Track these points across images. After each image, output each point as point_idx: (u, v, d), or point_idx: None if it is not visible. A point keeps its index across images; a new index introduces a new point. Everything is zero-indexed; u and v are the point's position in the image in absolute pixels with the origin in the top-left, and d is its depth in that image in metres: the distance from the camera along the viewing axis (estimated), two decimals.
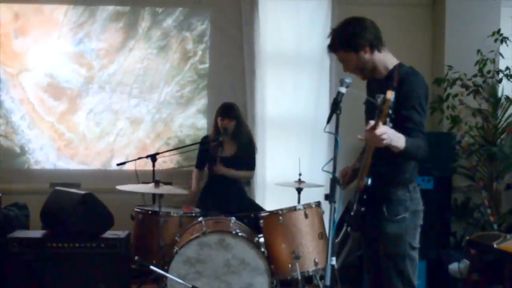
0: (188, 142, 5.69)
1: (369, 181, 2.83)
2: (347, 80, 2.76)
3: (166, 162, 5.36)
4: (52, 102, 5.75)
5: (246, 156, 5.13)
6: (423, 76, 2.97)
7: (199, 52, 5.82)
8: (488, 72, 5.39)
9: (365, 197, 2.88)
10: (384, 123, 2.61)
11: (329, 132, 2.75)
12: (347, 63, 3.03)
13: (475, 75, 5.41)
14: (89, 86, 5.76)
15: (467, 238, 4.68)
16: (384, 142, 2.63)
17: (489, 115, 5.45)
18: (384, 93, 2.58)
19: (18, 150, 5.74)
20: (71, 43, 5.74)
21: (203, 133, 5.71)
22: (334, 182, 2.66)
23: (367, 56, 2.97)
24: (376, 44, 2.97)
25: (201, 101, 5.83)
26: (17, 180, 5.61)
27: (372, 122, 2.62)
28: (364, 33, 2.95)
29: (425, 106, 2.91)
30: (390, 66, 2.99)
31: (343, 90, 2.74)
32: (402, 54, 3.17)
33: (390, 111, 2.59)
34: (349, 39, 2.95)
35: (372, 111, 2.71)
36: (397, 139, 2.70)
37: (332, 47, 3.03)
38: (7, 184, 5.43)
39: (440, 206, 5.18)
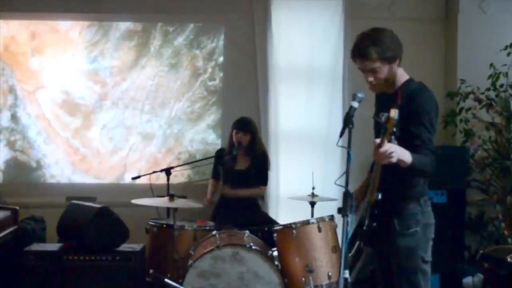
0: (198, 156, 5.75)
1: (379, 196, 2.82)
2: (360, 95, 2.76)
3: (177, 176, 5.40)
4: (67, 118, 5.83)
5: (259, 171, 5.16)
6: (432, 92, 2.96)
7: (209, 69, 5.89)
8: (501, 86, 5.39)
9: (376, 212, 2.87)
10: (389, 141, 2.63)
11: (342, 146, 2.75)
12: (377, 73, 2.92)
13: (488, 89, 5.41)
14: (103, 103, 5.85)
15: (481, 252, 4.65)
16: (393, 156, 2.64)
17: (502, 128, 5.44)
18: (390, 110, 2.60)
19: (34, 164, 5.82)
20: (86, 61, 5.84)
21: (213, 147, 5.76)
22: (347, 196, 2.65)
23: (394, 68, 2.95)
24: (401, 58, 2.98)
25: (211, 117, 5.89)
26: (34, 194, 5.68)
27: (377, 141, 2.64)
28: (399, 45, 2.96)
29: (434, 123, 2.91)
30: (402, 81, 2.99)
31: (355, 104, 2.73)
32: (415, 69, 3.19)
33: (395, 129, 2.60)
34: (389, 50, 2.89)
35: (378, 128, 2.73)
36: (404, 154, 2.71)
37: (366, 55, 2.89)
38: (24, 197, 5.49)
39: (454, 220, 5.17)
